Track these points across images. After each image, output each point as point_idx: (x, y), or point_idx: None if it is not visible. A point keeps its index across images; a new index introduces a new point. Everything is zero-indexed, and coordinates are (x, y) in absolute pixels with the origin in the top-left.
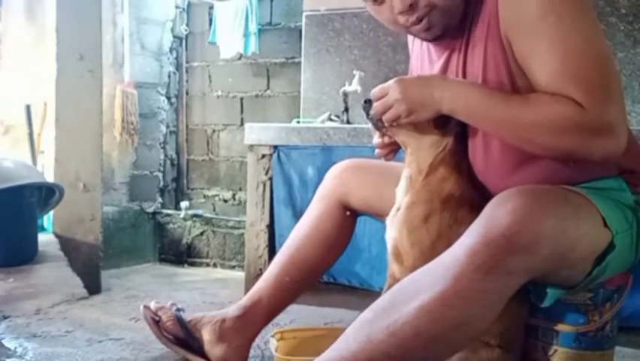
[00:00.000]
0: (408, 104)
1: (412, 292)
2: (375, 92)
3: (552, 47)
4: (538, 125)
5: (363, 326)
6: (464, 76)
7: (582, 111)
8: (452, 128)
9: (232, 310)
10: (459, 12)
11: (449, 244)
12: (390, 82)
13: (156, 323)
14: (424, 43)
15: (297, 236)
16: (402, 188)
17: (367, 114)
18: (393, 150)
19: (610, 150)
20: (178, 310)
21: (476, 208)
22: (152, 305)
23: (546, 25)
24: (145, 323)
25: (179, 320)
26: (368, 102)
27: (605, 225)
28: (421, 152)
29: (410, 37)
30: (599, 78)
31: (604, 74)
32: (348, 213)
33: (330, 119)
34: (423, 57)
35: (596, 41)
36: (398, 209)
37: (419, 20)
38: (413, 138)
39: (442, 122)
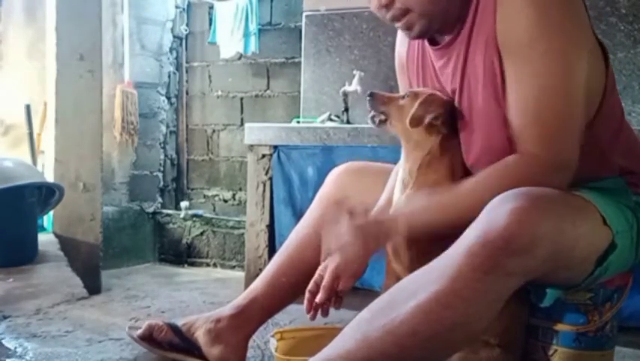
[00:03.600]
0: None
1: (409, 291)
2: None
3: (534, 77)
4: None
5: (360, 324)
6: (462, 80)
7: (535, 166)
8: (437, 131)
9: (227, 309)
10: (444, 17)
11: (445, 244)
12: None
13: (146, 338)
14: (421, 48)
15: (296, 237)
16: (397, 190)
17: (370, 109)
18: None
19: (565, 181)
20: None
21: None
22: (137, 331)
23: (534, 52)
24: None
25: (172, 327)
26: (372, 96)
27: (605, 224)
28: (410, 154)
29: (400, 46)
30: (562, 118)
31: (568, 113)
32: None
33: (330, 119)
34: (420, 63)
35: (574, 73)
36: None
37: (397, 19)
38: (403, 137)
39: (426, 124)
